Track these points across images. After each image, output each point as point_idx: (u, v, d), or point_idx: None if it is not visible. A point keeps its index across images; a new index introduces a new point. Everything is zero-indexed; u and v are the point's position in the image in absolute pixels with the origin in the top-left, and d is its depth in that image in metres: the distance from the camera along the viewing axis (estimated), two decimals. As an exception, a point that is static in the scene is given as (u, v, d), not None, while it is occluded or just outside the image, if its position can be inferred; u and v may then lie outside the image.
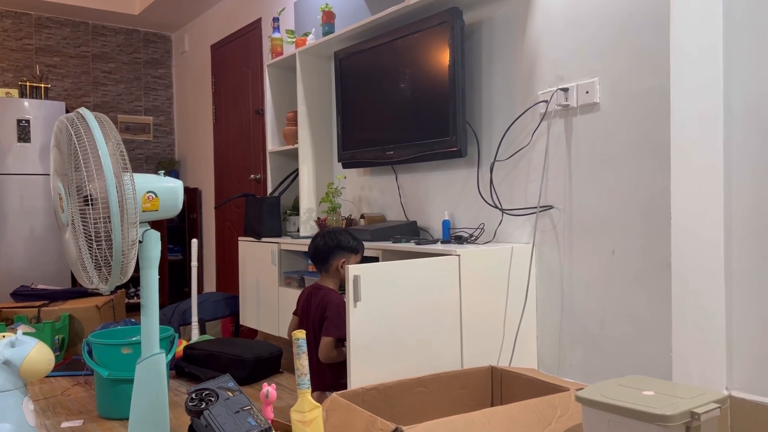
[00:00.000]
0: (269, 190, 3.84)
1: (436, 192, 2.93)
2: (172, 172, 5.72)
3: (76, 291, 3.78)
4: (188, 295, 5.45)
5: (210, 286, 5.20)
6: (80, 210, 1.56)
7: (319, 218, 3.51)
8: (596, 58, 2.23)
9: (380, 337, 2.06)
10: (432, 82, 2.70)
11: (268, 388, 1.55)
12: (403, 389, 1.92)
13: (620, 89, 2.16)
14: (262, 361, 3.01)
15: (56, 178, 1.60)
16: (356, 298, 1.96)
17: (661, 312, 2.05)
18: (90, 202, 1.57)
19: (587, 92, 2.25)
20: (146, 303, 1.66)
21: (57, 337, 3.41)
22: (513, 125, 2.53)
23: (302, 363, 1.48)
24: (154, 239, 1.67)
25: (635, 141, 2.12)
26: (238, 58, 4.71)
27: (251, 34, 4.51)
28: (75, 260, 1.58)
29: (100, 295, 3.86)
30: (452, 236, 2.72)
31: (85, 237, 1.56)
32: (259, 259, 3.52)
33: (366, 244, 2.74)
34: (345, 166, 3.35)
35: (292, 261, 3.39)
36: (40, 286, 3.85)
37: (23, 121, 4.57)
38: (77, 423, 2.47)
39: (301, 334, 1.49)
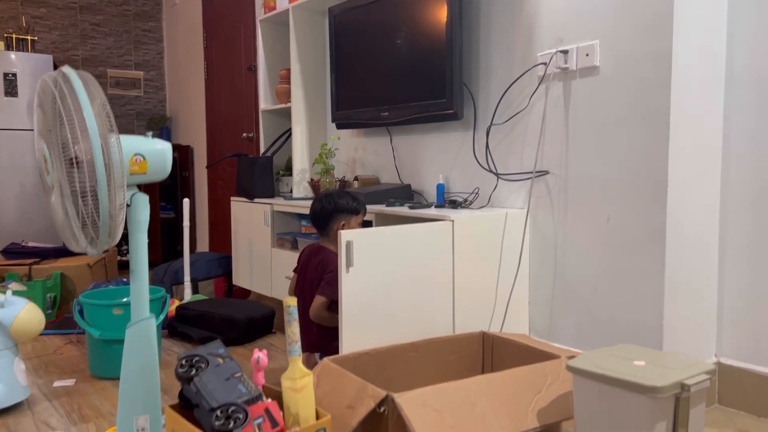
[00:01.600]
0: (262, 150, 3.79)
1: (432, 155, 2.89)
2: (164, 128, 5.64)
3: (68, 250, 3.74)
4: (181, 254, 5.44)
5: (203, 245, 5.18)
6: (67, 172, 1.52)
7: (312, 179, 3.47)
8: (598, 20, 2.17)
9: (372, 302, 2.05)
10: (428, 41, 2.63)
11: (259, 354, 1.54)
12: (395, 354, 1.93)
13: (621, 53, 2.11)
14: (254, 322, 3.02)
15: (40, 140, 1.55)
16: (348, 264, 1.94)
17: (654, 280, 2.05)
18: (76, 164, 1.53)
19: (587, 55, 2.20)
20: (135, 267, 1.64)
21: (48, 295, 3.41)
22: (510, 88, 2.47)
23: (293, 330, 1.47)
24: (143, 202, 1.64)
25: (635, 106, 2.08)
26: (230, 12, 4.58)
27: (243, -13, 4.38)
28: (62, 224, 1.55)
29: (92, 253, 3.83)
30: (446, 200, 2.69)
31: (72, 200, 1.52)
32: (251, 220, 3.49)
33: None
34: (339, 127, 3.30)
35: (285, 222, 3.37)
36: (31, 244, 3.82)
37: (10, 75, 4.47)
38: (70, 382, 2.47)
39: (292, 302, 1.48)
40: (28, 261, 3.58)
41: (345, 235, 1.94)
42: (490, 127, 2.55)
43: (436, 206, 2.59)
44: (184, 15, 5.34)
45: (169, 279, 3.60)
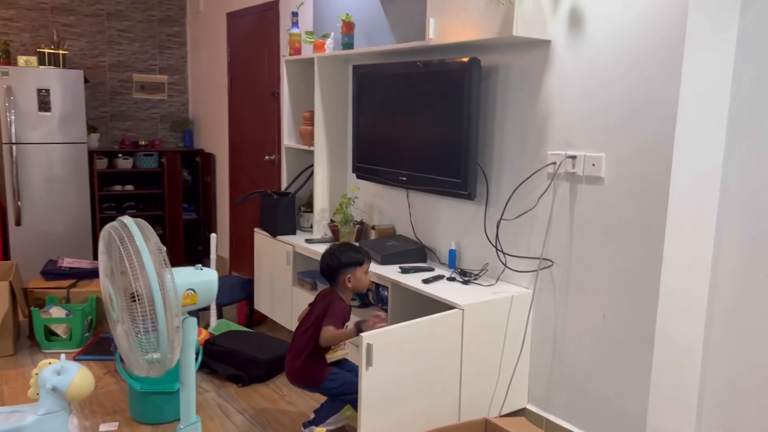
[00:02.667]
0: (283, 179, 3.99)
1: (446, 219, 3.10)
2: (186, 131, 5.82)
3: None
4: (201, 254, 5.71)
5: (223, 250, 5.43)
6: (128, 307, 1.76)
7: (332, 221, 3.69)
8: (605, 134, 2.34)
9: (388, 395, 2.29)
10: (446, 123, 2.80)
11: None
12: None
13: (625, 169, 2.29)
14: (276, 361, 3.29)
15: (106, 281, 1.78)
16: (369, 364, 2.18)
17: (641, 378, 2.28)
18: (137, 299, 1.76)
19: (593, 165, 2.38)
20: (184, 380, 1.89)
21: (87, 318, 3.68)
22: (520, 179, 2.66)
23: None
24: (192, 325, 1.88)
25: (633, 219, 2.27)
26: (254, 35, 4.71)
27: (269, 13, 4.49)
28: (127, 351, 1.79)
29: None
30: (458, 269, 2.91)
31: (134, 330, 1.76)
32: (274, 255, 3.73)
33: (376, 268, 2.94)
34: (359, 177, 3.49)
35: (306, 261, 3.60)
36: (66, 262, 4.08)
37: (43, 91, 4.65)
38: (113, 427, 2.76)
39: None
40: (66, 284, 3.85)
41: (366, 337, 2.18)
42: (500, 221, 2.74)
43: (448, 278, 2.81)
44: (208, 24, 5.45)
45: (196, 305, 3.86)
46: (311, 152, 3.98)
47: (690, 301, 2.29)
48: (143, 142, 5.53)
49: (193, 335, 1.87)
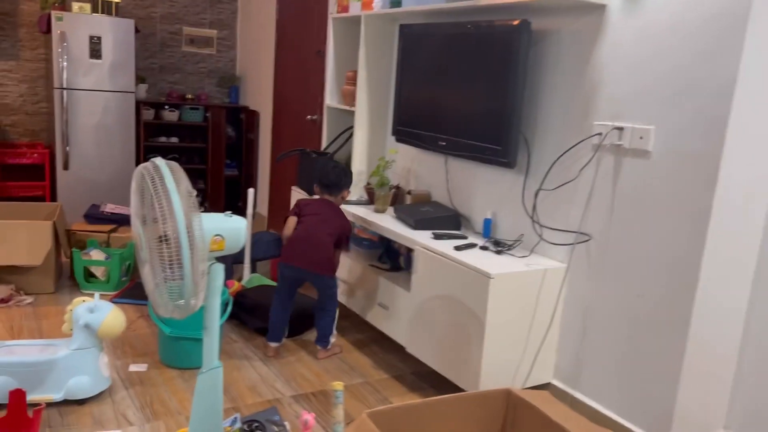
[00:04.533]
0: (324, 138, 3.97)
1: (482, 188, 3.03)
2: (233, 87, 5.85)
3: (141, 217, 4.09)
4: (241, 210, 5.77)
5: (262, 206, 5.48)
6: (157, 248, 1.77)
7: (369, 184, 3.66)
8: (655, 106, 2.24)
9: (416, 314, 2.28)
10: (491, 87, 2.72)
11: (308, 417, 1.81)
12: (427, 408, 2.17)
13: (674, 144, 2.18)
14: (303, 317, 3.31)
15: (136, 220, 1.80)
16: (414, 271, 2.16)
17: (673, 362, 2.21)
18: (165, 241, 1.78)
19: (641, 138, 2.28)
20: (208, 325, 1.91)
21: (125, 263, 3.77)
22: (563, 151, 2.57)
23: (338, 412, 1.72)
24: (218, 271, 1.89)
25: (680, 198, 2.17)
26: (304, -9, 4.66)
27: (319, -30, 4.43)
28: (152, 292, 1.81)
29: (162, 222, 4.17)
30: (492, 238, 2.86)
31: (161, 271, 1.78)
32: (309, 214, 3.73)
33: (408, 233, 2.92)
34: (398, 140, 3.45)
35: (340, 222, 3.59)
36: (108, 207, 4.17)
37: (95, 38, 4.71)
38: (143, 368, 2.83)
39: (339, 386, 1.72)
40: (107, 228, 3.94)
41: (417, 252, 2.16)
42: (538, 191, 2.66)
43: (481, 247, 2.76)
44: (259, -20, 5.42)
45: (230, 258, 3.91)
46: (352, 113, 3.95)
47: (731, 288, 2.19)
48: (190, 96, 5.58)
49: (219, 282, 1.88)
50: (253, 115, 5.57)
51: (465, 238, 2.89)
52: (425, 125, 3.17)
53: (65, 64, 4.63)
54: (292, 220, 3.04)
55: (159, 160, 1.78)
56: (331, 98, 3.94)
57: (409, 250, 3.07)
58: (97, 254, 3.74)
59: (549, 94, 2.66)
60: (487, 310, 2.42)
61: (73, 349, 2.47)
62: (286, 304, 3.07)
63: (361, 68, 3.57)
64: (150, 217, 1.76)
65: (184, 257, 1.71)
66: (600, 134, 2.41)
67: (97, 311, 2.50)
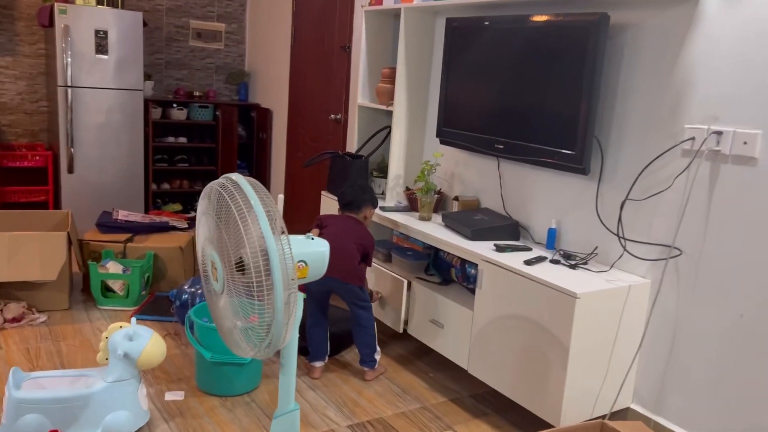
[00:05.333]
0: (354, 136, 3.72)
1: (544, 194, 2.81)
2: (242, 84, 5.56)
3: (157, 225, 3.81)
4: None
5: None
6: (236, 277, 1.52)
7: (408, 188, 3.42)
8: (762, 109, 2.03)
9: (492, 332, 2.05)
10: (561, 87, 2.50)
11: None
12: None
13: (787, 151, 1.98)
14: (344, 335, 3.07)
15: (208, 246, 1.54)
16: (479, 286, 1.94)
17: (784, 390, 2.01)
18: (243, 268, 1.53)
19: (745, 143, 2.07)
20: (285, 362, 1.67)
21: (144, 275, 3.50)
22: (645, 154, 2.36)
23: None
24: (300, 301, 1.64)
25: (792, 210, 1.97)
26: (325, -18, 4.40)
27: (343, -41, 4.17)
28: (230, 328, 1.56)
29: (179, 230, 3.90)
30: (560, 250, 2.64)
31: (241, 303, 1.53)
32: (343, 221, 3.48)
33: (465, 244, 2.69)
34: (443, 143, 3.21)
35: (378, 230, 3.35)
36: (121, 214, 3.89)
37: (101, 32, 4.41)
38: (179, 396, 2.58)
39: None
40: (122, 238, 3.66)
41: (482, 266, 1.93)
42: (624, 202, 2.44)
43: (551, 260, 2.54)
44: (271, -29, 5.14)
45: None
46: (386, 113, 3.71)
47: None
48: (198, 93, 5.29)
49: (299, 312, 1.65)
50: (265, 114, 5.29)
51: (529, 249, 2.67)
52: (477, 127, 2.94)
53: (69, 60, 4.33)
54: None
55: (237, 177, 1.52)
56: (363, 97, 3.69)
57: (463, 262, 2.85)
58: (114, 266, 3.47)
59: (625, 93, 2.44)
60: (571, 334, 2.19)
61: (111, 381, 2.21)
62: (321, 320, 2.84)
63: (400, 65, 3.33)
64: (230, 241, 1.51)
65: (276, 289, 1.47)
66: (693, 139, 2.20)
67: (137, 339, 2.24)
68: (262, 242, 1.48)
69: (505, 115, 2.78)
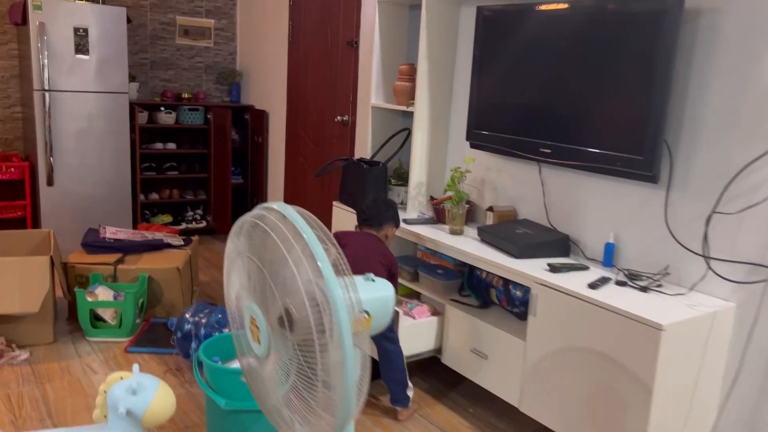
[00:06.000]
0: (358, 139, 3.38)
1: (599, 204, 2.49)
2: (233, 84, 5.17)
3: (150, 243, 3.42)
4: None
5: (275, 219, 4.84)
6: (282, 334, 1.17)
7: (432, 197, 3.08)
8: None
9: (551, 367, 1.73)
10: (627, 81, 2.17)
11: None
12: None
13: None
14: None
15: (246, 297, 1.19)
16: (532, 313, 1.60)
17: None
18: (288, 323, 1.18)
19: None
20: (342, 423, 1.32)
21: (138, 301, 3.12)
22: (724, 161, 2.04)
23: None
24: (359, 361, 1.29)
25: None
26: (327, -28, 4.04)
27: (348, -54, 3.81)
28: (274, 403, 1.21)
29: (175, 247, 3.52)
30: (623, 269, 2.32)
31: (300, 370, 1.18)
32: (360, 235, 3.14)
33: (512, 263, 2.36)
34: (474, 146, 2.88)
35: (401, 245, 3.01)
36: (108, 232, 3.50)
37: (80, 30, 4.00)
38: (189, 450, 2.22)
39: None
40: (112, 258, 3.27)
41: (536, 290, 1.59)
42: (711, 215, 2.12)
43: (616, 282, 2.21)
44: (264, -39, 4.76)
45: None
46: (401, 114, 3.37)
47: None
48: (186, 95, 4.89)
49: (357, 374, 1.30)
50: (260, 116, 4.91)
51: (586, 268, 2.35)
52: (517, 129, 2.60)
53: (46, 61, 3.91)
54: None
55: (282, 206, 1.17)
56: (376, 96, 3.34)
57: (506, 283, 2.51)
58: (103, 292, 3.08)
59: (699, 90, 2.12)
60: (656, 371, 1.87)
61: (111, 444, 1.84)
62: None
63: (421, 60, 2.99)
64: (279, 289, 1.15)
65: (346, 348, 1.11)
66: (790, 141, 1.89)
67: (141, 392, 1.87)
68: (314, 289, 1.13)
69: (554, 115, 2.45)
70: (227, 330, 2.67)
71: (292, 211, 1.15)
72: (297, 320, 1.15)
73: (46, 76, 3.93)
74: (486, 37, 2.71)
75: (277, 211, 1.15)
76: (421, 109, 3.04)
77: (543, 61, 2.47)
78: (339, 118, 3.98)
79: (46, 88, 3.95)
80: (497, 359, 2.41)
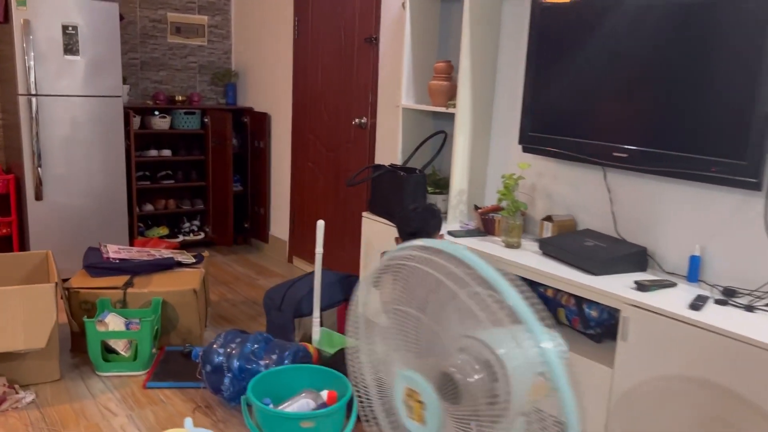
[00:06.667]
0: (380, 143, 3.12)
1: (678, 210, 2.27)
2: (229, 85, 4.85)
3: (160, 263, 3.10)
4: (249, 233, 4.81)
5: (280, 227, 4.54)
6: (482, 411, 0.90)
7: (477, 206, 2.84)
8: None
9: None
10: (728, 76, 1.96)
11: None
12: None
13: None
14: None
15: (399, 362, 0.92)
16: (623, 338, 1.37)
17: None
18: (455, 394, 0.91)
19: None
20: None
21: (153, 329, 2.80)
22: None
23: None
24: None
25: None
26: (339, -37, 3.75)
27: (365, -64, 3.54)
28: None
29: (187, 265, 3.20)
30: (714, 287, 2.11)
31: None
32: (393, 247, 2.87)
33: (588, 280, 2.13)
34: (527, 150, 2.64)
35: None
36: (111, 251, 3.16)
37: (70, 28, 3.64)
38: None
39: None
40: (119, 281, 2.94)
41: (626, 312, 1.36)
42: None
43: (716, 300, 2.00)
44: (263, -47, 4.45)
45: (289, 309, 3.00)
46: (433, 115, 3.12)
47: None
48: (180, 98, 4.55)
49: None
50: (261, 119, 4.60)
51: (673, 285, 2.13)
52: (585, 131, 2.37)
53: (32, 63, 3.54)
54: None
55: (444, 244, 0.91)
56: (407, 97, 3.07)
57: (579, 302, 2.28)
58: (114, 321, 2.76)
59: (804, 86, 1.92)
60: (789, 405, 1.66)
61: None
62: None
63: (464, 56, 2.73)
64: (453, 348, 0.89)
65: (571, 422, 0.86)
66: None
67: (201, 454, 1.59)
68: (496, 347, 0.88)
69: (632, 116, 2.22)
70: (264, 363, 2.39)
71: (466, 253, 0.89)
72: (463, 390, 0.89)
73: (32, 79, 3.56)
74: (544, 29, 2.48)
75: (453, 255, 0.89)
76: (463, 110, 2.79)
77: (618, 55, 2.24)
78: (357, 120, 3.70)
79: (33, 92, 3.58)
80: (575, 388, 2.17)
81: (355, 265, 3.78)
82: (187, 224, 4.71)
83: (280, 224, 4.57)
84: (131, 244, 4.07)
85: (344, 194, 3.87)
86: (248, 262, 4.45)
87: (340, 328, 3.21)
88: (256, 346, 2.44)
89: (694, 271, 2.19)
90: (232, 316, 3.46)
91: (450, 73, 2.90)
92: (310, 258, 4.23)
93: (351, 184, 2.91)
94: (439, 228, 2.42)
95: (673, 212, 2.28)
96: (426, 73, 3.10)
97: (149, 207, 4.47)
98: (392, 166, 3.00)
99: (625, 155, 2.25)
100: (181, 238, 4.58)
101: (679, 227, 2.27)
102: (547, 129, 2.52)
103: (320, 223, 2.87)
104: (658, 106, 2.14)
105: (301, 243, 4.34)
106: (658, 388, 1.91)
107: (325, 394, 2.14)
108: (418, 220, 2.34)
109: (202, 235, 4.71)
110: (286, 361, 2.40)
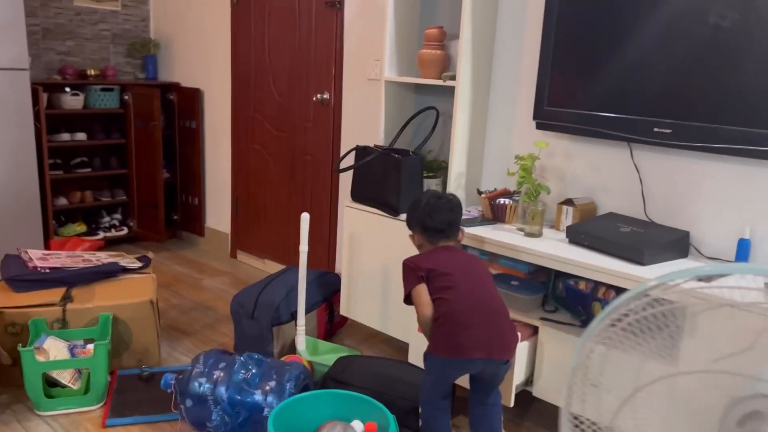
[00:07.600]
0: (347, 121, 2.76)
1: (721, 190, 2.09)
2: (148, 58, 4.24)
3: (101, 270, 2.57)
4: (178, 225, 4.26)
5: (220, 219, 4.04)
6: None
7: (479, 191, 2.55)
8: None
9: None
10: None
11: None
12: None
13: None
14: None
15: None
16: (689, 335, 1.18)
17: None
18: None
19: None
20: None
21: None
22: None
23: None
24: None
25: None
26: None
27: None
28: None
29: (135, 270, 2.69)
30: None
31: None
32: (387, 241, 2.54)
33: (635, 270, 1.91)
34: (541, 127, 2.39)
35: (453, 252, 2.46)
36: (37, 257, 2.58)
37: (-42, -16, 2.93)
38: None
39: None
40: (55, 296, 2.39)
41: (695, 306, 1.16)
42: None
43: (783, 289, 1.83)
44: None
45: (265, 317, 2.58)
46: (415, 89, 2.80)
47: None
48: (92, 72, 3.90)
49: None
50: (191, 96, 4.04)
51: (728, 273, 1.94)
52: (617, 105, 2.14)
53: None
54: (424, 293, 1.87)
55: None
56: (390, 68, 2.71)
57: (620, 295, 2.06)
58: (55, 346, 2.23)
59: None
60: None
61: None
62: (449, 409, 1.95)
63: (465, 25, 2.41)
64: None
65: None
66: None
67: None
68: None
69: (676, 87, 2.01)
70: (260, 392, 1.98)
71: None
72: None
73: None
74: (565, -8, 2.21)
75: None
76: (464, 84, 2.48)
77: (665, 16, 2.01)
78: (318, 96, 3.29)
79: None
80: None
81: (319, 260, 3.40)
82: (107, 218, 4.09)
83: (217, 215, 4.06)
84: (46, 245, 3.44)
85: (302, 180, 3.46)
86: (185, 259, 3.93)
87: (320, 331, 2.83)
88: (253, 371, 2.03)
89: (743, 256, 2.02)
90: (185, 326, 2.97)
91: (443, 40, 2.58)
92: (258, 253, 3.79)
93: (340, 170, 2.52)
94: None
95: (717, 192, 2.10)
96: (408, 41, 2.76)
97: (63, 201, 3.82)
98: (377, 147, 2.64)
99: (669, 131, 2.04)
100: (101, 234, 3.97)
101: (721, 208, 2.10)
102: (567, 103, 2.26)
103: (305, 216, 2.47)
104: (706, 76, 1.93)
105: (246, 236, 3.88)
106: (734, 389, 1.72)
107: (359, 426, 1.78)
108: (447, 212, 1.95)
109: (125, 231, 4.11)
110: (288, 387, 2.00)
